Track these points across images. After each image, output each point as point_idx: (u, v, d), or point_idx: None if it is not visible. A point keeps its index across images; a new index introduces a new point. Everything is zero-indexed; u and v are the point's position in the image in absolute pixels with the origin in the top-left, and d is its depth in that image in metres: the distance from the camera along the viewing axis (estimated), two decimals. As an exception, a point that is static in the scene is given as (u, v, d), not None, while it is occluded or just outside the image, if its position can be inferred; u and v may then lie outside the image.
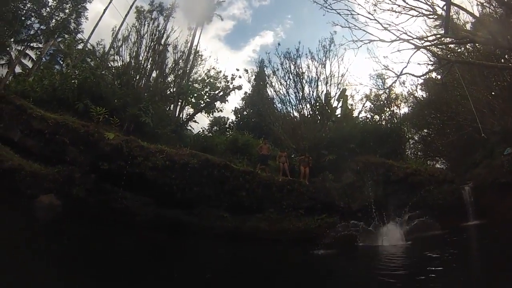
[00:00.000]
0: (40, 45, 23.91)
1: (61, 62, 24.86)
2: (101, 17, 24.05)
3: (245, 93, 28.11)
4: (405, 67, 15.07)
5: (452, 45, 15.34)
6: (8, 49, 19.81)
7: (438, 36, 13.58)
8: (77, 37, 25.02)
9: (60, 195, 10.49)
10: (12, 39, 18.23)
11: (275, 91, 19.04)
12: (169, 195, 11.19)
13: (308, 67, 18.28)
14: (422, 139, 21.31)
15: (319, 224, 11.46)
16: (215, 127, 26.81)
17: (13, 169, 10.44)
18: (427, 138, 20.86)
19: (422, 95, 21.78)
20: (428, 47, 13.94)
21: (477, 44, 14.20)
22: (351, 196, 12.24)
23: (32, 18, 17.44)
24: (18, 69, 22.74)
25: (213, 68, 21.22)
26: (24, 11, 16.61)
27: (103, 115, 12.75)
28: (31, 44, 23.50)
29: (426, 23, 15.56)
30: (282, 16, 73.95)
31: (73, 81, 15.67)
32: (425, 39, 13.66)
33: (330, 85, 17.69)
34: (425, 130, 20.93)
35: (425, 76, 17.55)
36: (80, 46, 23.91)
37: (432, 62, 16.76)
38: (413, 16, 13.14)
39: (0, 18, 15.14)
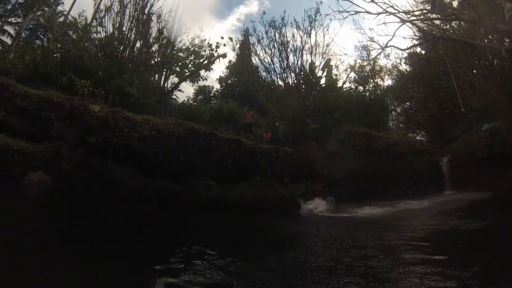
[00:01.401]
0: (19, 20, 23.06)
1: (42, 37, 24.01)
2: (82, -13, 23.15)
3: (230, 61, 27.78)
4: (390, 39, 15.15)
5: (437, 21, 15.49)
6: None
7: (425, 11, 13.64)
8: (58, 10, 24.30)
9: (49, 172, 10.41)
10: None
11: (259, 59, 19.14)
12: (156, 165, 11.30)
13: (293, 36, 18.30)
14: (404, 111, 21.75)
15: (303, 191, 11.87)
16: (200, 96, 26.74)
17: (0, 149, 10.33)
18: (409, 111, 21.32)
19: (406, 69, 22.09)
20: (414, 22, 13.99)
21: (462, 22, 14.38)
22: (335, 164, 12.62)
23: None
24: (-4, 46, 21.98)
25: (198, 36, 20.98)
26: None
27: (88, 88, 12.61)
28: (9, 20, 22.70)
29: (414, -3, 15.59)
30: (268, -16, 71.64)
31: (55, 55, 15.31)
32: (412, 13, 13.68)
33: (315, 54, 17.73)
34: (408, 103, 21.35)
35: (409, 50, 17.73)
36: (61, 19, 23.16)
37: (417, 37, 16.84)
38: (401, -11, 13.17)
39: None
